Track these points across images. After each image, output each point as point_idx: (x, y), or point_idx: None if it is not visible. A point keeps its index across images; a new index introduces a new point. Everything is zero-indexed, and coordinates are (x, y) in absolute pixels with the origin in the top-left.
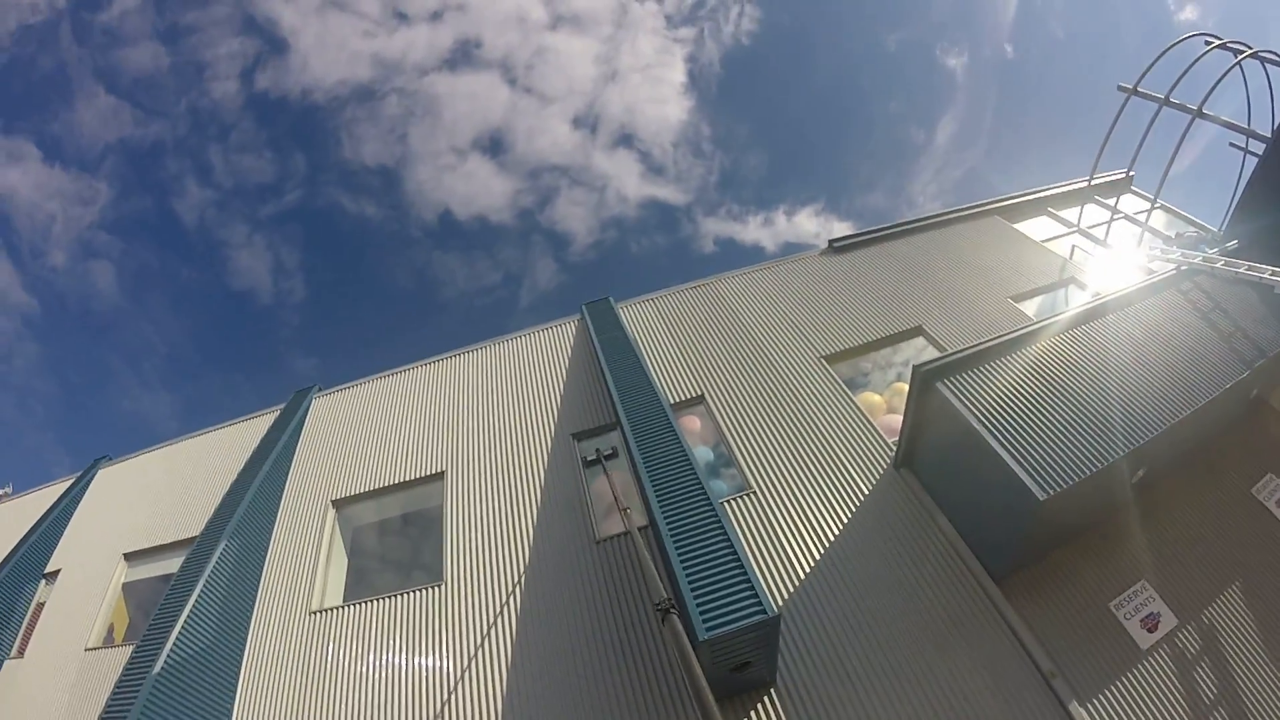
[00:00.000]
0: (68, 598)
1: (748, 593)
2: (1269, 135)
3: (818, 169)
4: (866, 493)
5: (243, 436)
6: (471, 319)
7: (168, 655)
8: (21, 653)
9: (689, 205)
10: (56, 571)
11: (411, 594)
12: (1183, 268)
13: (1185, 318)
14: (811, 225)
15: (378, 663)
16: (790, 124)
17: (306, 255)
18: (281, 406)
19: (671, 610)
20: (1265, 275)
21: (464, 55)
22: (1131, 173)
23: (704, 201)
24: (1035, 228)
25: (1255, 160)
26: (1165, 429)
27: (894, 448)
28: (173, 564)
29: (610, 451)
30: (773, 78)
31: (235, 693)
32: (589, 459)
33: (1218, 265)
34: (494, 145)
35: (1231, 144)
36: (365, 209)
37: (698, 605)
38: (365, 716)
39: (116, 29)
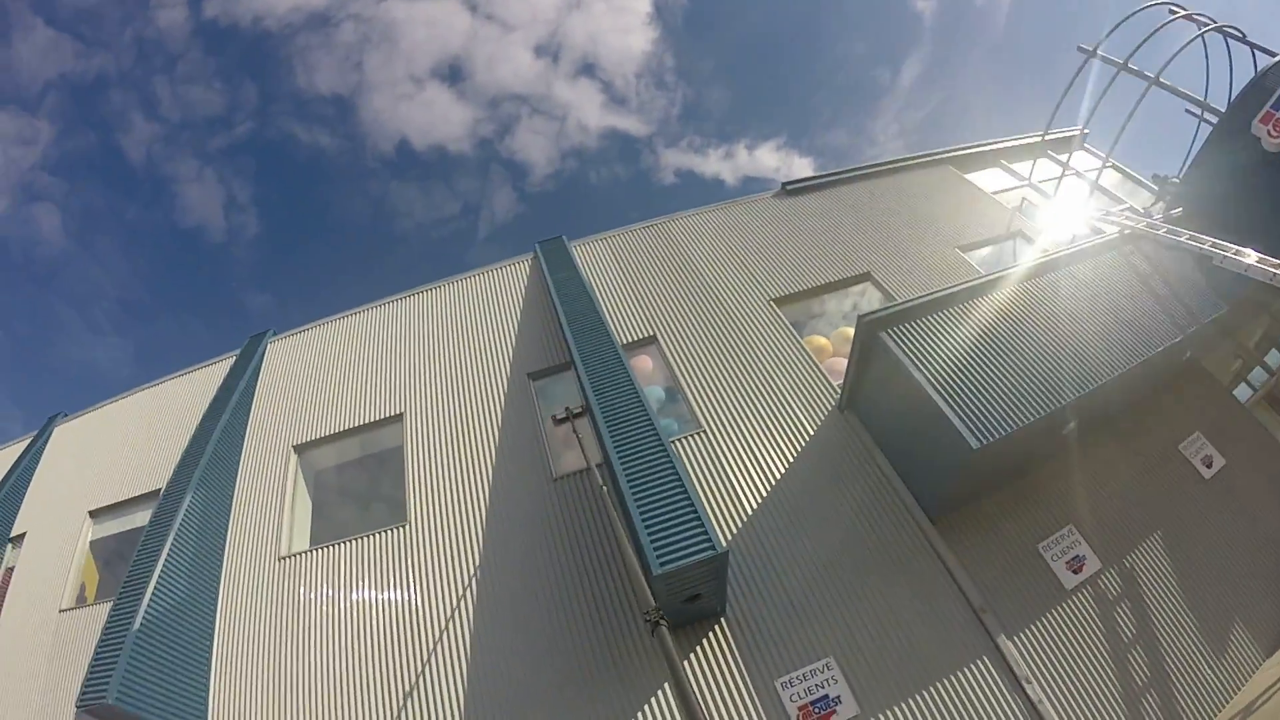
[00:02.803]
0: (36, 560)
1: (698, 530)
2: (1222, 109)
3: (781, 105)
4: (812, 433)
5: (199, 384)
6: (429, 250)
7: (145, 611)
8: None
9: (650, 136)
10: (22, 535)
11: (377, 535)
12: (1126, 231)
13: (1125, 280)
14: (772, 160)
15: (348, 604)
16: (755, 59)
17: (259, 189)
18: (237, 353)
19: (661, 622)
20: (1205, 246)
21: None
22: (1085, 130)
23: (665, 133)
24: (987, 179)
25: (1208, 129)
26: (1098, 386)
27: (839, 391)
28: (139, 518)
29: (579, 410)
30: (739, 11)
31: (212, 643)
32: (558, 417)
33: (1160, 232)
34: (453, 73)
35: (1188, 110)
36: (319, 139)
37: (651, 541)
38: (339, 657)
39: None
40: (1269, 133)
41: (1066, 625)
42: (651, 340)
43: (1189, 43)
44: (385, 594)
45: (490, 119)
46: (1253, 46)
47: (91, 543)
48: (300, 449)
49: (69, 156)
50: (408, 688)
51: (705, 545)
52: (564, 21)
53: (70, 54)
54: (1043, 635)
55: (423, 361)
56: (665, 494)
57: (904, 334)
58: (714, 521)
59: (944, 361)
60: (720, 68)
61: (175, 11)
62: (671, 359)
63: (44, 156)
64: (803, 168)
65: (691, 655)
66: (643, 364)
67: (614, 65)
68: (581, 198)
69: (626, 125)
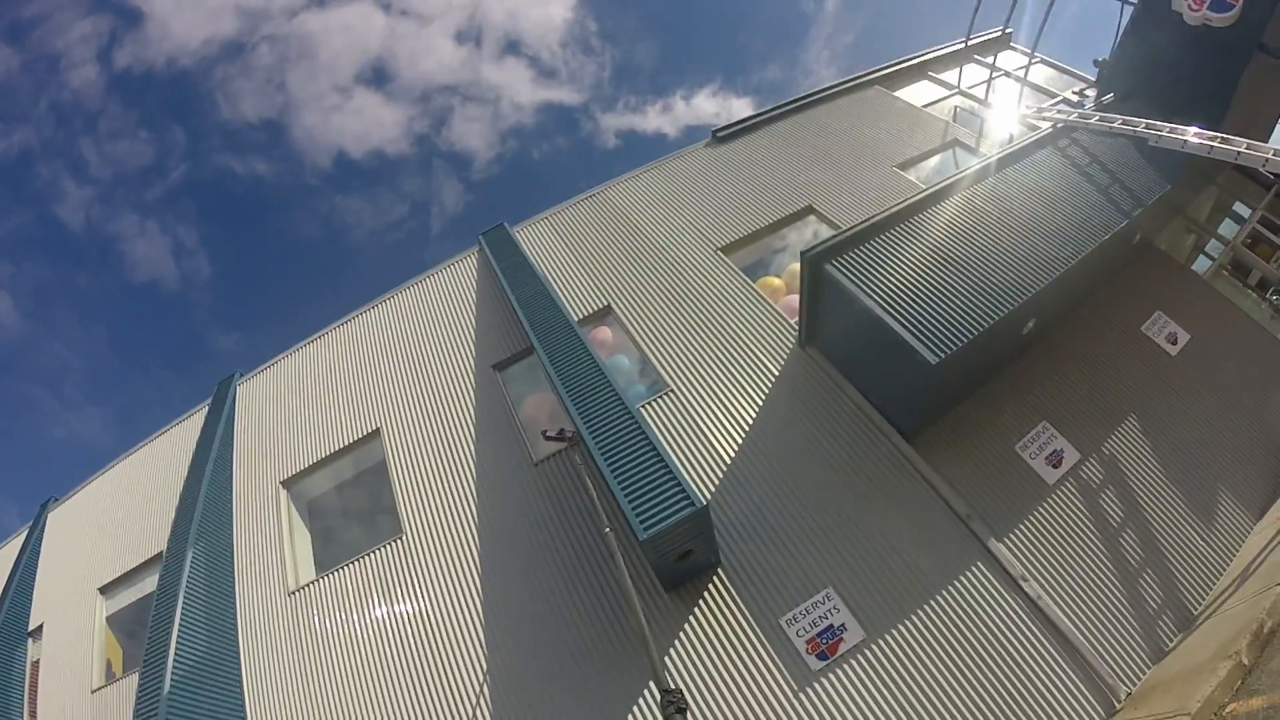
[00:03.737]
0: (59, 648)
1: (675, 489)
2: None
3: (710, 50)
4: (777, 373)
5: (179, 440)
6: (386, 256)
7: (172, 672)
8: (33, 715)
9: (586, 104)
10: (39, 627)
11: (376, 551)
12: (1059, 125)
13: (1065, 173)
14: (710, 106)
15: (362, 623)
16: (676, 6)
17: (204, 229)
18: (209, 401)
19: (682, 712)
20: (1139, 129)
21: None
22: (1009, 30)
23: (600, 98)
24: (917, 93)
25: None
26: (1048, 283)
27: (797, 328)
28: (148, 584)
29: (572, 433)
30: None
31: (241, 688)
32: (549, 434)
33: (1093, 120)
34: (378, 76)
35: None
36: (255, 167)
37: (632, 509)
38: (364, 676)
39: None
40: (1190, 6)
41: (1054, 519)
42: (607, 311)
43: None
44: (395, 607)
45: (423, 115)
46: None
47: (108, 618)
48: (287, 483)
49: (8, 238)
50: (433, 693)
51: (684, 503)
52: (480, 4)
53: None
54: (1032, 533)
55: (390, 373)
56: (639, 460)
57: (849, 263)
58: (693, 478)
59: (893, 283)
60: (643, 22)
61: (86, 70)
62: (629, 325)
63: None
64: (742, 108)
65: (695, 610)
66: (602, 335)
67: (538, 39)
68: (528, 176)
69: (560, 96)
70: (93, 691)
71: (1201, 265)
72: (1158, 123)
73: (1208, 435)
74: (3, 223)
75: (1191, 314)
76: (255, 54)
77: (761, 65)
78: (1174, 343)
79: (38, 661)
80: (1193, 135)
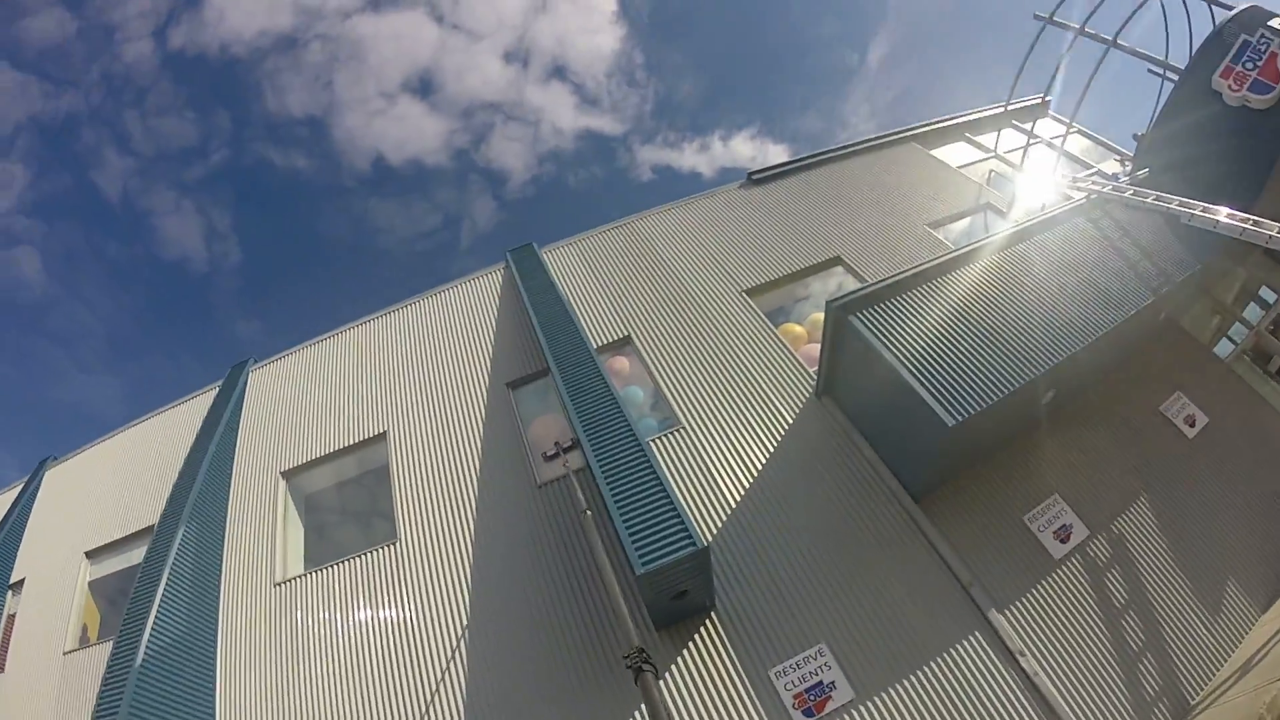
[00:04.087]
0: (37, 605)
1: (678, 527)
2: (1182, 67)
3: (752, 93)
4: (790, 421)
5: (185, 418)
6: (413, 264)
7: (146, 647)
8: (1, 667)
9: (625, 135)
10: (21, 581)
11: (369, 554)
12: (1093, 196)
13: (1095, 245)
14: (747, 149)
15: (345, 624)
16: (723, 48)
17: (238, 216)
18: (220, 383)
19: (644, 668)
20: (1172, 205)
21: None
22: (1048, 98)
23: (640, 130)
24: (953, 154)
25: (1171, 86)
26: (1073, 353)
27: (815, 377)
28: (135, 556)
29: (569, 444)
30: (704, 2)
31: (215, 673)
32: (549, 454)
33: (1127, 194)
34: (424, 86)
35: (1150, 70)
36: (295, 162)
37: (633, 542)
38: (341, 677)
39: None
40: (1230, 86)
41: (1057, 595)
42: (627, 340)
43: (1144, 2)
44: (380, 612)
45: (464, 129)
46: (1210, 2)
47: (90, 583)
48: (288, 474)
49: (45, 199)
50: (409, 705)
51: (685, 542)
52: (531, 26)
53: (38, 95)
54: (1034, 607)
55: (403, 378)
56: (643, 493)
57: (873, 316)
58: (697, 517)
59: (915, 341)
60: (689, 60)
61: (141, 45)
62: (647, 358)
63: (19, 200)
64: (777, 154)
65: (684, 651)
66: (619, 364)
67: (584, 66)
68: (561, 200)
69: (601, 125)
70: (65, 653)
71: (1224, 349)
72: (1191, 201)
73: (1219, 522)
74: (41, 182)
75: (1211, 397)
76: (306, 50)
77: (800, 113)
78: (1192, 425)
79: (14, 615)
80: (1225, 216)
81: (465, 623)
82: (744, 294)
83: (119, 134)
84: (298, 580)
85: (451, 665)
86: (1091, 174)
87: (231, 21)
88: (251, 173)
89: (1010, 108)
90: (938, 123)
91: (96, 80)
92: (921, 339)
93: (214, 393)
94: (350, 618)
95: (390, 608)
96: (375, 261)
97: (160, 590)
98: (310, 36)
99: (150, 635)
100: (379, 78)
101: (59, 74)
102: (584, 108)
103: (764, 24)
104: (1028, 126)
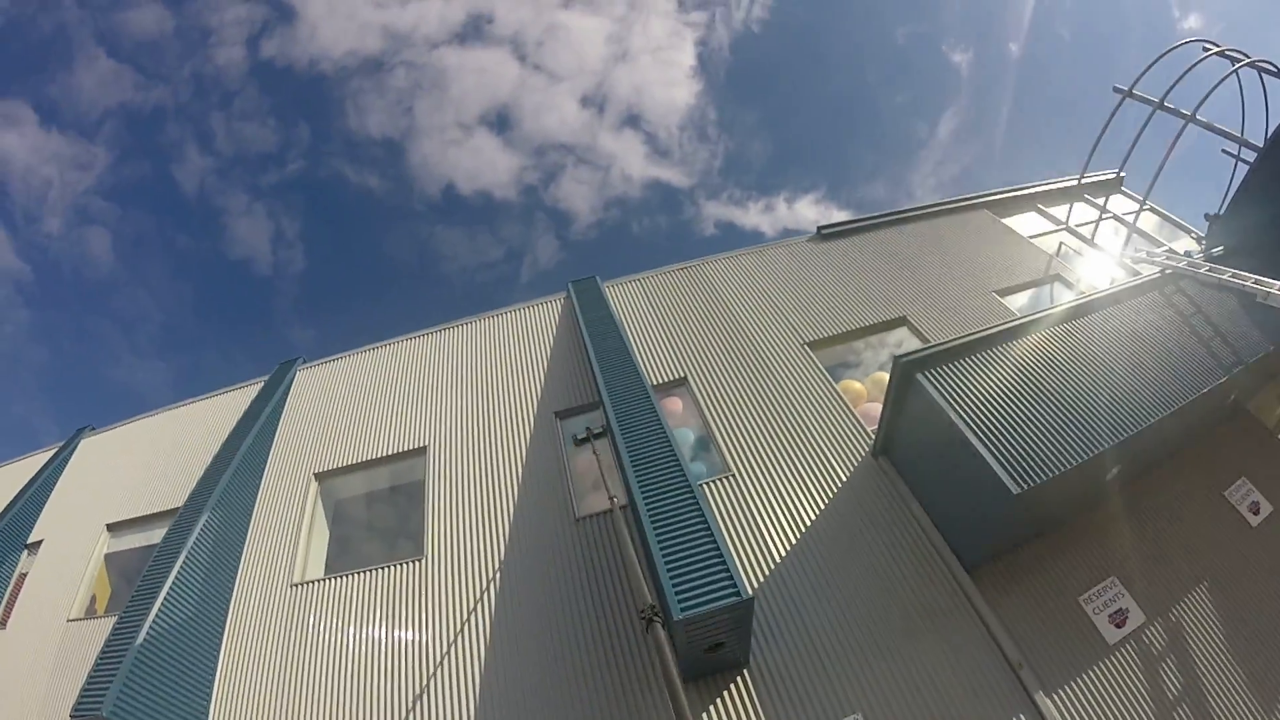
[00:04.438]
0: (50, 568)
1: (723, 574)
2: (1260, 145)
3: (820, 157)
4: (844, 479)
5: (226, 408)
6: (472, 294)
7: (150, 626)
8: (4, 623)
9: (691, 188)
10: (39, 542)
11: (392, 568)
12: (1167, 271)
13: (1167, 320)
14: (811, 213)
15: (357, 636)
16: (796, 112)
17: (307, 225)
18: (266, 378)
19: (655, 619)
20: (1248, 284)
21: (475, 30)
22: (1122, 173)
23: (706, 185)
24: (1024, 223)
25: (1245, 168)
26: (1141, 429)
27: (873, 436)
28: (156, 535)
29: (600, 430)
30: (781, 65)
31: (216, 664)
32: (579, 437)
33: (1202, 270)
34: (500, 121)
35: (1224, 150)
36: (368, 181)
37: (674, 585)
38: (345, 689)
39: None
40: None
41: (1109, 682)
42: (682, 382)
43: (1224, 78)
44: (395, 628)
45: (536, 167)
46: None
47: (107, 556)
48: (321, 477)
49: (123, 183)
50: None
51: (730, 591)
52: (610, 73)
53: (129, 85)
54: (1084, 693)
55: (451, 396)
56: (689, 536)
57: (941, 375)
58: (741, 568)
59: (982, 404)
60: (762, 120)
61: (234, 50)
62: (702, 401)
63: (99, 182)
64: (841, 220)
65: (710, 708)
66: (673, 406)
67: (658, 117)
68: (623, 246)
69: (669, 176)
70: (68, 620)
71: None
72: (1266, 279)
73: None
74: (121, 167)
75: (1277, 485)
76: (391, 75)
77: (867, 181)
78: (1256, 513)
79: (25, 575)
80: None
81: (483, 651)
82: (805, 346)
83: (202, 132)
84: (316, 584)
85: (461, 692)
86: (1164, 250)
87: (322, 39)
88: (325, 186)
89: (1084, 181)
90: (1010, 191)
91: (187, 78)
92: (990, 403)
93: (258, 386)
94: (363, 630)
95: (406, 625)
96: (435, 286)
97: (174, 573)
98: (396, 62)
99: (156, 615)
100: (458, 108)
101: (152, 68)
102: (654, 158)
103: (837, 89)
104: (1100, 201)
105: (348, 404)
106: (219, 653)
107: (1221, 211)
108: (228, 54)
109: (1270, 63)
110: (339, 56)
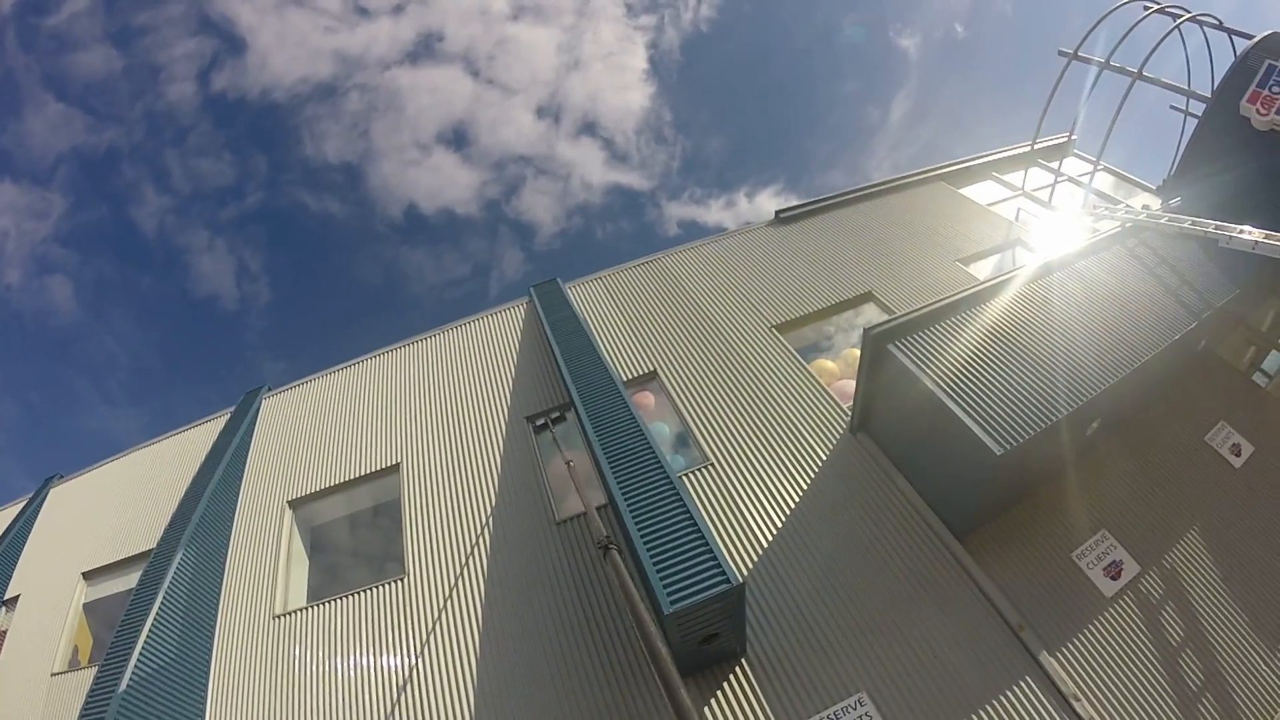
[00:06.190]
0: (29, 623)
1: (710, 563)
2: (1208, 96)
3: (777, 150)
4: (825, 458)
5: (194, 443)
6: (441, 312)
7: (132, 672)
8: None
9: (652, 190)
10: (15, 598)
11: (375, 589)
12: (1128, 224)
13: (1132, 273)
14: (772, 205)
15: (346, 662)
16: (749, 107)
17: (271, 257)
18: (232, 409)
19: (611, 546)
20: (1209, 229)
21: (426, 49)
22: (1074, 136)
23: (667, 186)
24: (981, 192)
25: (1195, 121)
26: (1116, 381)
27: (849, 412)
28: (133, 579)
29: (558, 414)
30: (732, 62)
31: (205, 705)
32: (538, 424)
33: (1162, 221)
34: (458, 138)
35: (1172, 106)
36: (329, 207)
37: (661, 580)
38: (337, 717)
39: (65, 32)
40: (1257, 111)
41: (1111, 634)
42: (652, 375)
43: (1167, 34)
44: (384, 649)
45: (496, 180)
46: (1230, 32)
47: (86, 605)
48: (295, 504)
49: (80, 228)
50: None
51: (719, 579)
52: (564, 82)
53: (81, 128)
54: (1087, 648)
55: (419, 410)
56: (673, 528)
57: (913, 344)
58: (728, 556)
59: (957, 369)
60: (716, 118)
61: (184, 86)
62: (674, 393)
63: (56, 229)
64: None
65: (712, 700)
66: (645, 400)
67: (614, 123)
68: (588, 252)
69: (628, 180)
70: (52, 675)
71: (1259, 381)
72: (1228, 224)
73: (1273, 552)
74: (78, 212)
75: (1256, 426)
76: (345, 99)
77: (825, 170)
78: (1238, 454)
79: (4, 632)
80: (1262, 235)
81: (473, 664)
82: (773, 329)
83: (158, 170)
84: (299, 614)
85: (457, 710)
86: (1123, 207)
87: (274, 68)
88: (286, 215)
89: (1036, 146)
90: (965, 162)
91: (139, 118)
92: (964, 367)
93: (225, 418)
94: (351, 656)
95: (396, 647)
96: (404, 308)
97: (152, 615)
98: (349, 86)
99: (138, 660)
100: (415, 128)
101: (103, 109)
102: (613, 163)
103: (789, 83)
104: (1054, 165)
105: (315, 428)
106: (206, 693)
107: (1174, 167)
108: (179, 90)
109: (1210, 15)
110: (291, 84)
